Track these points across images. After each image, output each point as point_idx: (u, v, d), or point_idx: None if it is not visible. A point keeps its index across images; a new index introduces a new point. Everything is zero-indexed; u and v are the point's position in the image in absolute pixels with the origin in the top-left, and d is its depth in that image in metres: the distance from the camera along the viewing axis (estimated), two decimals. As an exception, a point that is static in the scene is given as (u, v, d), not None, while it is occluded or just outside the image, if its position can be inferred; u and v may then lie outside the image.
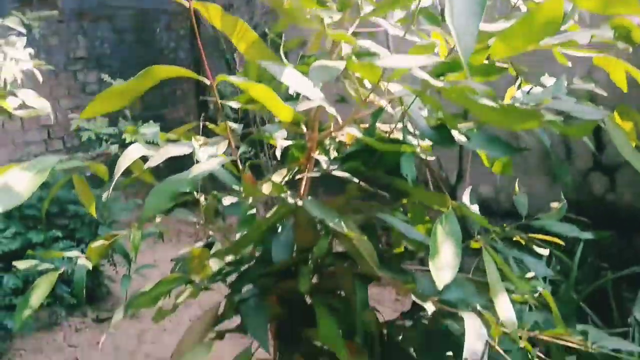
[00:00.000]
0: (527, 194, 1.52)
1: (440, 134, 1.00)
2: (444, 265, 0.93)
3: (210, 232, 1.45)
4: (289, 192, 1.02)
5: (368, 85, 1.09)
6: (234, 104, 1.24)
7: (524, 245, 1.45)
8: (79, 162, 1.32)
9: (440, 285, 0.91)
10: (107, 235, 1.39)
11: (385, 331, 1.24)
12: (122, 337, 3.08)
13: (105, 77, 3.74)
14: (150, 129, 1.30)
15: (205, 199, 1.53)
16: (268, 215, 0.98)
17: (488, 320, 0.95)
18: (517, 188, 1.53)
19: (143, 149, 1.13)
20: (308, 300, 1.31)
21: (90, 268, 1.45)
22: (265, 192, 0.92)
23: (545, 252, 1.46)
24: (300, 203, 0.97)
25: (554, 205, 1.54)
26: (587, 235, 1.37)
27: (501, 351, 0.94)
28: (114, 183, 1.07)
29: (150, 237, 3.42)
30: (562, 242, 1.59)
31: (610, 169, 3.44)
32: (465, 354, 0.88)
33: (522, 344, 1.00)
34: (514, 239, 1.44)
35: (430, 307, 0.97)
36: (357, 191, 1.05)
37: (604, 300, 3.00)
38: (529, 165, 3.74)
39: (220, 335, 1.21)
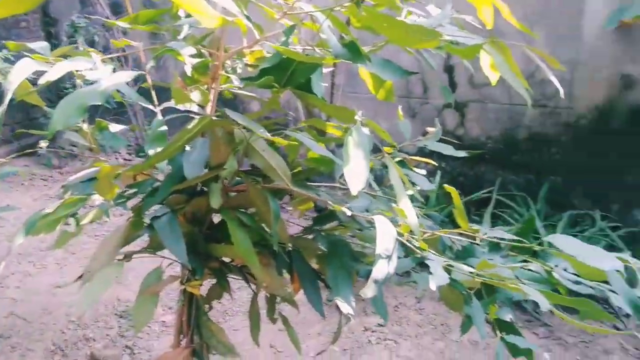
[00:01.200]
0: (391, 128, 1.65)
1: (351, 51, 1.06)
2: (356, 174, 1.01)
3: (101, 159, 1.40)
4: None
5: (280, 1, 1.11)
6: (123, 24, 1.19)
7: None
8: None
9: (354, 192, 0.98)
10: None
11: (290, 244, 1.31)
12: (-20, 284, 2.85)
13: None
14: (38, 44, 1.20)
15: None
16: (189, 127, 0.97)
17: (396, 221, 1.05)
18: (400, 113, 1.65)
19: (35, 63, 1.06)
20: (215, 219, 1.34)
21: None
22: (195, 99, 0.92)
23: (422, 172, 1.61)
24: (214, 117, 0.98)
25: (430, 129, 1.69)
26: (462, 153, 1.53)
27: (411, 245, 1.05)
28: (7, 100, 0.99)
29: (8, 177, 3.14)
30: (435, 163, 1.76)
31: (460, 106, 3.78)
32: (377, 250, 0.98)
33: (419, 243, 1.12)
34: (397, 159, 1.57)
35: (347, 212, 1.05)
36: (277, 104, 1.08)
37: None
38: (390, 104, 3.98)
39: (128, 257, 1.20)
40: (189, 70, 1.11)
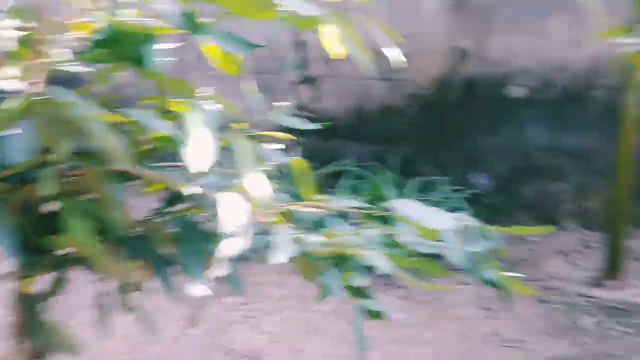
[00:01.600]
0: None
1: (189, 21, 1.01)
2: (200, 151, 0.97)
3: None
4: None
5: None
6: None
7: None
8: None
9: (194, 170, 0.95)
10: None
11: (137, 229, 1.24)
12: None
13: None
14: None
15: None
16: (3, 107, 0.86)
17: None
18: (250, 87, 1.62)
19: None
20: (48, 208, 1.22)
21: None
22: (12, 75, 0.82)
23: (281, 146, 1.60)
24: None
25: (281, 104, 1.69)
26: (315, 125, 1.55)
27: (265, 221, 1.04)
28: None
29: None
30: (293, 137, 1.76)
31: (314, 81, 3.85)
32: (221, 228, 0.95)
33: (275, 218, 1.12)
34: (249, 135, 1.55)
35: (197, 190, 1.02)
36: (107, 79, 1.00)
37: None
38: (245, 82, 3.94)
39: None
40: (9, 45, 0.98)
